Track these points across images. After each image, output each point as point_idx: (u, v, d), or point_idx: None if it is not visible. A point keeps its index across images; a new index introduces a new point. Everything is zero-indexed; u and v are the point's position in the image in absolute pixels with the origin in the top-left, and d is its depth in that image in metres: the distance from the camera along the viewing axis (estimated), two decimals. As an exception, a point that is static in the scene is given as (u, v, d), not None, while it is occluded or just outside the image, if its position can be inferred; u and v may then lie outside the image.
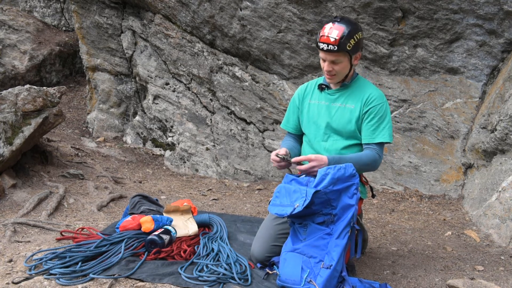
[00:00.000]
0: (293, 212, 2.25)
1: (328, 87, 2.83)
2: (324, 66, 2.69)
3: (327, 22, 2.64)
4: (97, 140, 6.68)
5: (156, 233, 2.78)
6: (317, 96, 2.87)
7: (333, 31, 2.57)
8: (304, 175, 2.55)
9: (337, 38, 2.55)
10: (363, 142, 2.69)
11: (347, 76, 2.75)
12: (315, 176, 2.41)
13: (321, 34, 2.62)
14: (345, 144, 2.72)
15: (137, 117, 6.76)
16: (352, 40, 2.58)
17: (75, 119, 7.33)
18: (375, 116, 2.67)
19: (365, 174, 2.89)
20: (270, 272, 2.48)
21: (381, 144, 2.68)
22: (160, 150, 6.50)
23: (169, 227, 2.91)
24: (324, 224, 2.33)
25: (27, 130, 4.11)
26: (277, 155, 2.61)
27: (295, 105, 2.97)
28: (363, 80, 2.84)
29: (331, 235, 2.29)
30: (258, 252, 2.62)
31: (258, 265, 2.61)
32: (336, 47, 2.56)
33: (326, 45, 2.58)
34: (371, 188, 2.93)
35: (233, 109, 5.82)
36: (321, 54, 2.67)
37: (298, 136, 3.01)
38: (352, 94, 2.75)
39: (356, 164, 2.51)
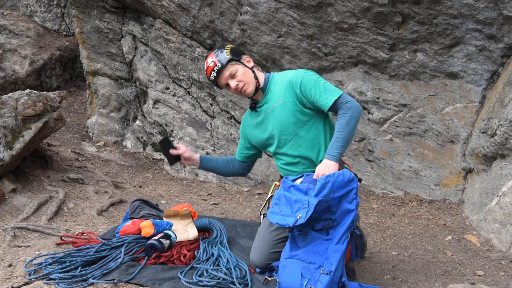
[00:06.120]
0: (296, 224, 2.23)
1: (256, 103, 2.84)
2: (232, 89, 2.72)
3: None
4: (97, 144, 6.68)
5: (156, 237, 2.77)
6: (254, 116, 2.87)
7: (208, 62, 2.73)
8: (302, 181, 2.54)
9: (214, 60, 2.69)
10: (326, 111, 2.63)
11: (259, 81, 2.75)
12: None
13: (206, 75, 2.76)
14: (302, 136, 2.69)
15: (137, 122, 6.77)
16: (225, 50, 2.70)
17: (75, 124, 7.34)
18: (310, 87, 2.62)
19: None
20: (269, 278, 2.47)
21: (338, 98, 2.57)
22: (160, 154, 6.50)
23: (169, 232, 2.90)
24: (323, 230, 2.32)
25: (27, 135, 4.11)
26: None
27: (242, 134, 3.02)
28: (278, 74, 2.83)
29: (330, 240, 2.29)
30: (258, 261, 2.61)
31: (258, 270, 2.60)
32: (219, 64, 2.67)
33: (213, 71, 2.69)
34: (355, 175, 2.92)
35: (233, 113, 5.83)
36: (221, 82, 2.74)
37: (242, 162, 3.08)
38: (275, 91, 2.74)
39: (345, 130, 2.48)
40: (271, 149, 2.82)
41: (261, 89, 2.77)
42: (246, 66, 2.72)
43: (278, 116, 2.71)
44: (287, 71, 2.85)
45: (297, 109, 2.67)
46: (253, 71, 2.74)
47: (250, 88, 2.71)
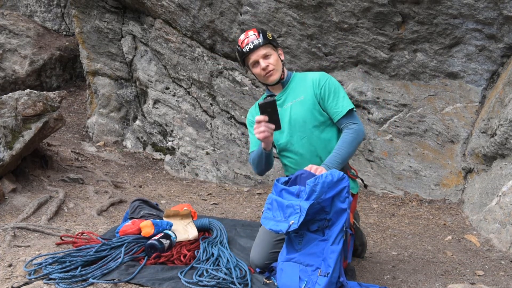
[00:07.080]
0: (289, 230, 2.22)
1: (271, 96, 2.81)
2: (260, 68, 2.72)
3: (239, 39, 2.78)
4: (97, 144, 6.68)
5: (156, 237, 2.77)
6: None
7: (248, 34, 2.73)
8: (292, 176, 2.52)
9: (256, 34, 2.71)
10: (335, 120, 2.69)
11: (284, 75, 2.79)
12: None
13: (239, 44, 2.74)
14: (317, 135, 2.70)
15: (137, 122, 6.77)
16: (268, 34, 2.74)
17: (75, 124, 7.34)
18: (330, 91, 2.70)
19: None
20: (267, 281, 2.46)
21: (351, 113, 2.67)
22: (160, 154, 6.50)
23: (169, 232, 2.90)
24: (319, 231, 2.31)
25: (27, 135, 4.11)
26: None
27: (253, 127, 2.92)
28: (300, 73, 2.89)
29: (326, 240, 2.28)
30: (258, 260, 2.61)
31: (257, 270, 2.60)
32: (260, 40, 2.69)
33: (251, 43, 2.69)
34: (362, 180, 2.91)
35: (233, 113, 5.83)
36: (251, 58, 2.72)
37: None
38: (296, 88, 2.79)
39: (347, 148, 2.54)
40: (282, 140, 2.78)
41: (281, 83, 2.82)
42: (279, 57, 2.79)
43: (296, 112, 2.73)
44: (310, 72, 2.89)
45: (315, 108, 2.71)
46: (283, 64, 2.82)
47: (276, 75, 2.75)
